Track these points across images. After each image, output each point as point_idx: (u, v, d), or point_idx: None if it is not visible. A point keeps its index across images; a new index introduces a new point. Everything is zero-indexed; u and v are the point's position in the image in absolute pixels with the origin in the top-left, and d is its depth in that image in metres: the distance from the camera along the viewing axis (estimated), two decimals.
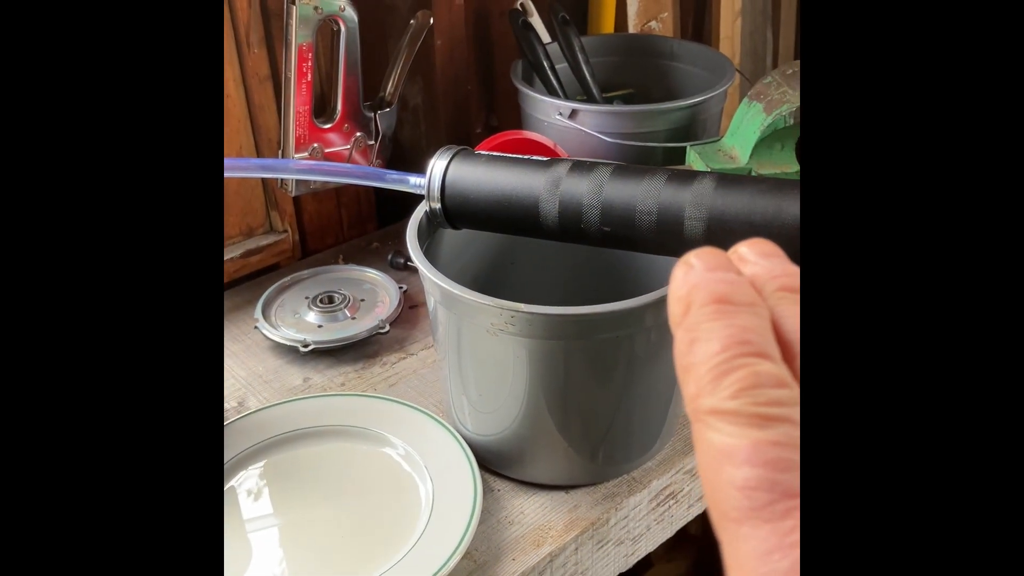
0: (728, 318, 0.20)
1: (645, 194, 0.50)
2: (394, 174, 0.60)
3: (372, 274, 0.79)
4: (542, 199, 0.53)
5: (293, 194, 0.78)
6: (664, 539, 0.63)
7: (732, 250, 0.23)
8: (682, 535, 0.71)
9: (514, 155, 0.56)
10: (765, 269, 0.23)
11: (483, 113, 0.98)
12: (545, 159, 0.55)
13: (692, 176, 0.50)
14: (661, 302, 0.51)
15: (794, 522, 0.18)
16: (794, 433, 0.19)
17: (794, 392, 0.19)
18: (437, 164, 0.57)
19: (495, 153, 0.57)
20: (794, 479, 0.18)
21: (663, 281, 0.52)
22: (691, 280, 0.22)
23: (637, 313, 0.51)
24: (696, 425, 0.20)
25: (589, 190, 0.52)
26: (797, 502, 0.18)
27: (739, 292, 0.21)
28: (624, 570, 0.61)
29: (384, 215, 0.91)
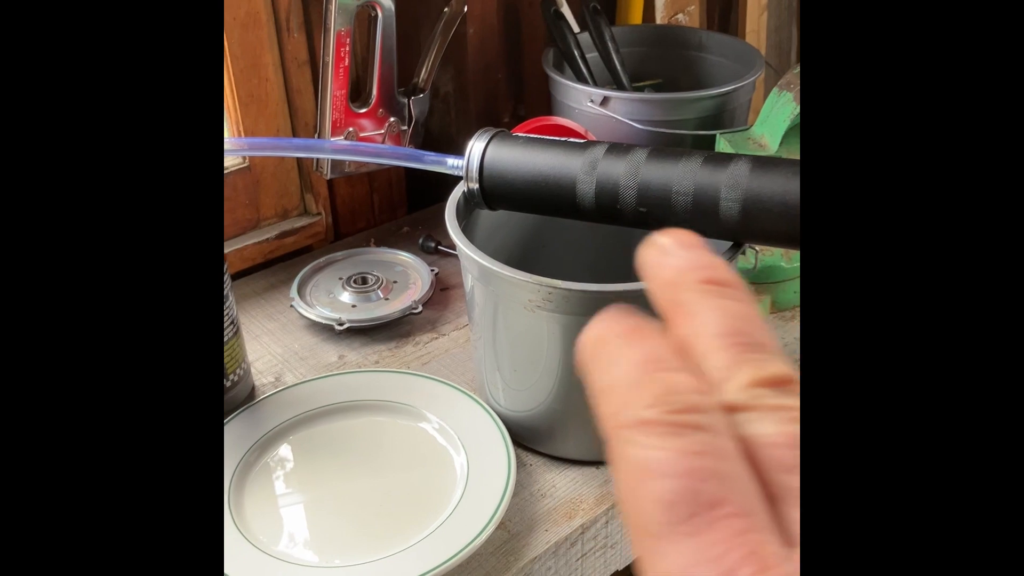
0: (639, 343, 0.20)
1: (681, 175, 0.51)
2: (432, 155, 0.62)
3: (404, 257, 0.80)
4: (579, 180, 0.54)
5: (328, 177, 0.79)
6: None
7: (651, 240, 0.22)
8: None
9: (551, 137, 0.57)
10: (687, 261, 0.22)
11: (511, 102, 0.99)
12: (582, 141, 0.56)
13: (728, 158, 0.51)
14: None
15: (717, 535, 0.16)
16: (715, 441, 0.18)
17: (711, 397, 0.19)
18: (475, 145, 0.58)
19: (532, 135, 0.58)
20: (716, 488, 0.17)
21: None
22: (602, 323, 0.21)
23: None
24: (614, 443, 0.18)
25: (626, 171, 0.53)
26: (721, 512, 0.17)
27: (650, 344, 0.20)
28: None
29: (414, 200, 0.92)
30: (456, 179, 0.60)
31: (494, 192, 0.58)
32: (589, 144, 0.56)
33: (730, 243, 0.54)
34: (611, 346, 0.20)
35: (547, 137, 0.57)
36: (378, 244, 0.85)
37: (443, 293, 0.78)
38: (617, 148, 0.54)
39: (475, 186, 0.58)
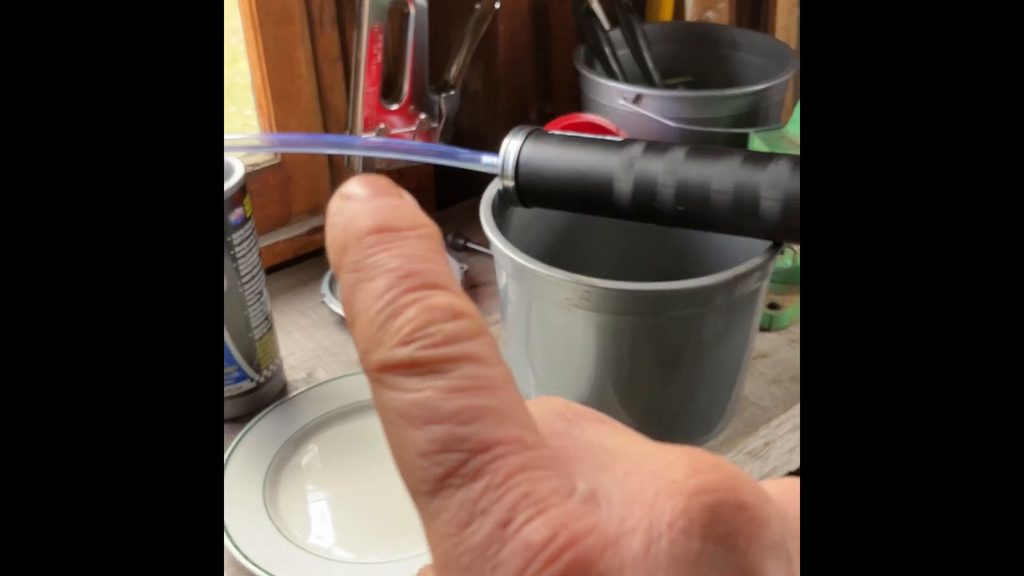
0: (391, 247, 0.16)
1: (721, 174, 0.51)
2: (466, 153, 0.62)
3: None
4: (616, 178, 0.54)
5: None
6: None
7: (338, 191, 0.18)
8: None
9: (587, 135, 0.57)
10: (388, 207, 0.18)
11: (538, 99, 0.99)
12: (618, 139, 0.56)
13: (768, 157, 0.51)
14: (733, 282, 0.52)
15: (487, 481, 0.14)
16: (480, 371, 0.15)
17: (475, 322, 0.16)
18: (511, 143, 0.58)
19: (568, 133, 0.58)
20: (484, 429, 0.15)
21: (729, 263, 0.53)
22: (348, 212, 0.17)
23: (709, 292, 0.52)
24: (372, 387, 0.16)
25: (664, 169, 0.52)
26: (491, 455, 0.15)
27: (402, 216, 0.17)
28: None
29: (442, 198, 0.92)
30: (487, 177, 0.60)
31: (530, 190, 0.57)
32: (626, 142, 0.55)
33: (769, 242, 0.53)
34: (360, 252, 0.17)
35: (583, 135, 0.57)
36: None
37: (472, 291, 0.78)
38: (655, 146, 0.54)
39: (511, 184, 0.58)
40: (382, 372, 0.15)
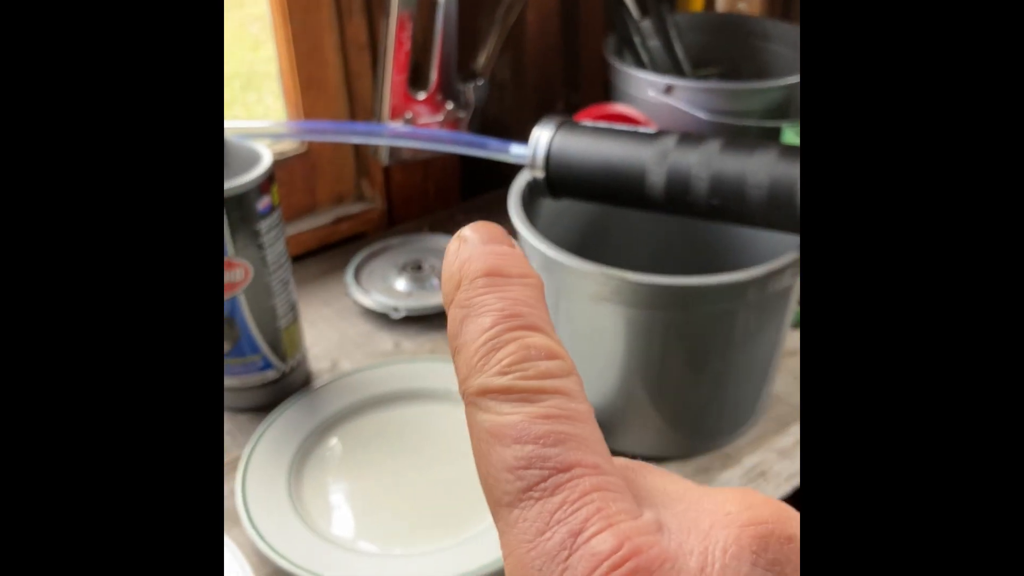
0: (499, 291, 0.19)
1: (757, 167, 0.50)
2: (495, 143, 0.61)
3: None
4: (649, 170, 0.53)
5: (386, 163, 0.79)
6: None
7: (457, 234, 0.21)
8: None
9: (619, 126, 0.56)
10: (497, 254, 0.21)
11: (565, 91, 0.98)
12: (651, 131, 0.55)
13: None
14: (767, 277, 0.51)
15: (564, 496, 0.16)
16: (567, 404, 0.17)
17: (566, 363, 0.18)
18: (542, 134, 0.57)
19: (600, 124, 0.57)
20: (566, 452, 0.17)
21: (761, 257, 0.52)
22: (463, 254, 0.20)
23: (742, 287, 0.51)
24: (468, 409, 0.18)
25: (698, 162, 0.51)
26: (570, 475, 0.16)
27: (511, 264, 0.20)
28: None
29: (467, 188, 0.92)
30: (512, 168, 0.59)
31: (560, 181, 0.57)
32: (659, 133, 0.54)
33: None
34: (471, 291, 0.19)
35: (615, 126, 0.56)
36: (432, 231, 0.84)
37: None
38: (689, 138, 0.53)
39: (540, 175, 0.57)
40: (479, 396, 0.18)
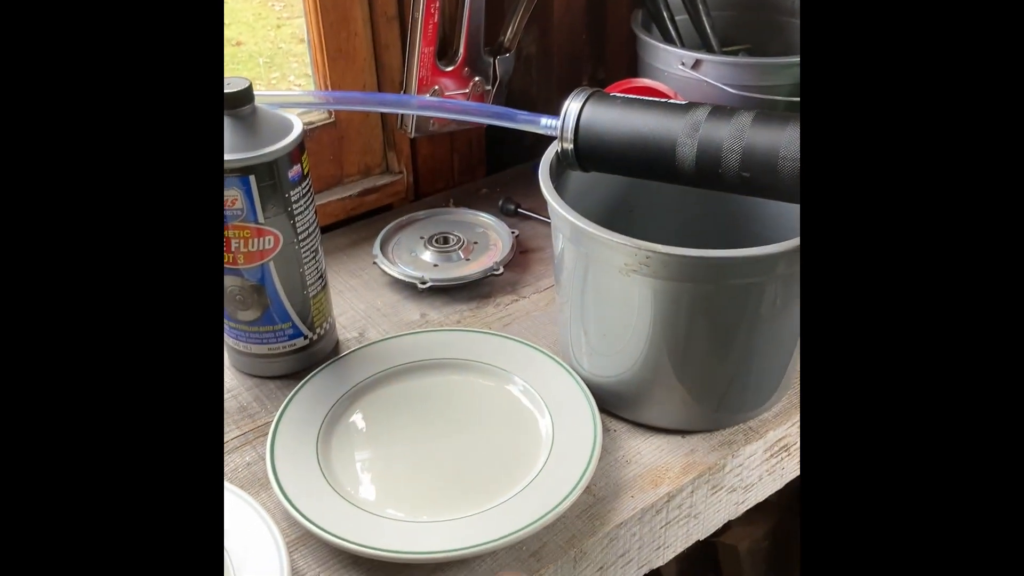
0: None
1: (790, 140, 0.50)
2: (524, 114, 0.61)
3: (484, 218, 0.80)
4: (680, 142, 0.53)
5: (412, 135, 0.79)
6: (772, 491, 0.63)
7: None
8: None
9: (650, 98, 0.56)
10: None
11: (591, 66, 0.98)
12: (683, 103, 0.55)
13: None
14: (796, 251, 0.51)
15: None
16: None
17: None
18: (572, 105, 0.57)
19: (630, 96, 0.57)
20: None
21: (785, 235, 0.52)
22: None
23: (771, 261, 0.51)
24: None
25: (730, 135, 0.51)
26: None
27: None
28: (733, 518, 0.61)
29: (492, 162, 0.92)
30: (537, 143, 0.59)
31: (590, 153, 0.57)
32: (691, 106, 0.54)
33: None
34: None
35: (645, 98, 0.56)
36: (456, 205, 0.84)
37: (523, 256, 0.77)
38: (720, 110, 0.53)
39: (570, 146, 0.57)
40: None
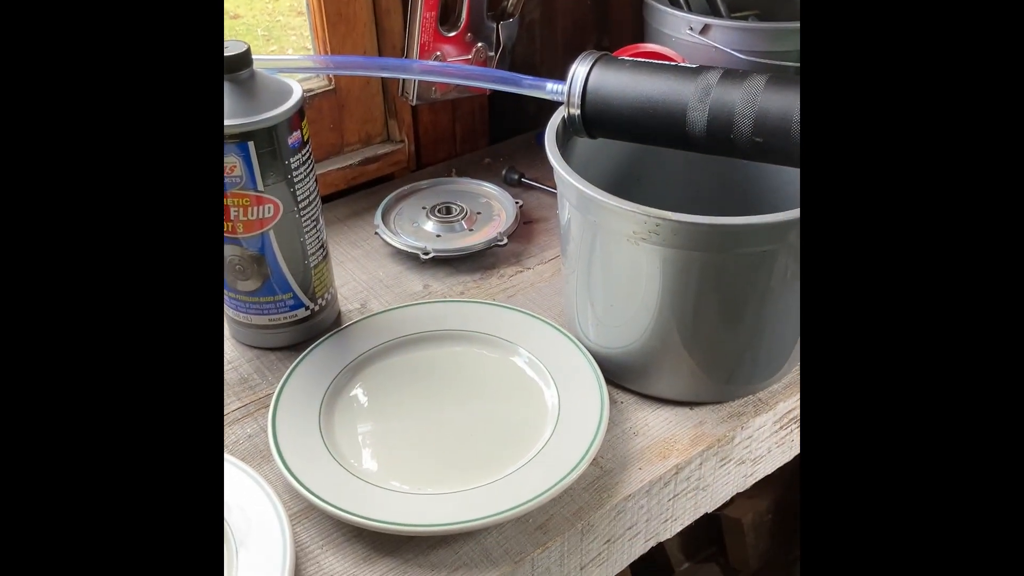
0: None
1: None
2: (530, 79, 0.59)
3: (488, 188, 0.78)
4: (690, 107, 0.51)
5: (414, 103, 0.77)
6: (781, 464, 0.62)
7: None
8: None
9: (660, 62, 0.55)
10: None
11: (595, 33, 0.96)
12: (693, 66, 0.53)
13: None
14: None
15: None
16: None
17: None
18: (579, 69, 0.55)
19: (639, 59, 0.55)
20: None
21: (795, 204, 0.51)
22: None
23: (783, 228, 0.50)
24: None
25: (742, 99, 0.50)
26: None
27: None
28: (742, 490, 0.60)
29: (495, 132, 0.90)
30: (540, 110, 0.57)
31: (597, 118, 0.55)
32: (701, 69, 0.53)
33: None
34: None
35: (657, 61, 0.54)
36: (459, 175, 0.83)
37: (527, 226, 0.76)
38: (732, 74, 0.51)
39: (577, 112, 0.55)
40: None
